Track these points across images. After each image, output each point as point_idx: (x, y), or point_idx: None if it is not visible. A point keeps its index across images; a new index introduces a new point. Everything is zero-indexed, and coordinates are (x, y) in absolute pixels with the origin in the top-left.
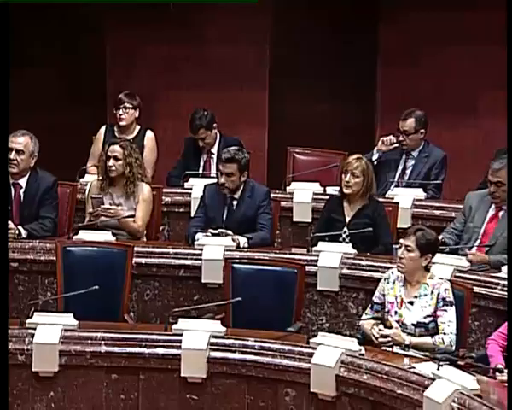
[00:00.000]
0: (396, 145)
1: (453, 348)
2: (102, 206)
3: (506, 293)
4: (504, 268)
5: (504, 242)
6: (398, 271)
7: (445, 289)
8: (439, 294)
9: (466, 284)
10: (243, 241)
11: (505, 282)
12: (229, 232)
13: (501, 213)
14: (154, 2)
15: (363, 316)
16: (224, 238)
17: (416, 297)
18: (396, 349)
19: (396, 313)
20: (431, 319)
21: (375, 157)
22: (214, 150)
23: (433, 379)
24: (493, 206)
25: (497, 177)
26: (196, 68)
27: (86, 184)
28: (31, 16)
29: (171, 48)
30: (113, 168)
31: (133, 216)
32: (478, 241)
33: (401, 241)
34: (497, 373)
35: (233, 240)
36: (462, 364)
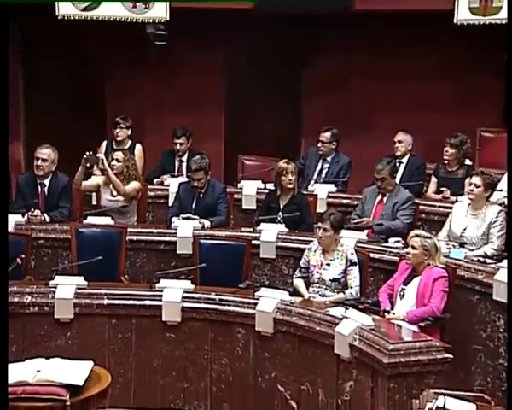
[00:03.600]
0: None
1: (359, 295)
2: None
3: (393, 257)
4: (391, 239)
5: (386, 217)
6: (319, 245)
7: (351, 253)
8: (347, 257)
9: (364, 251)
10: (207, 223)
11: (392, 250)
12: (196, 217)
13: (385, 199)
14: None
15: (294, 276)
16: (192, 221)
17: (331, 260)
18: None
19: (317, 272)
20: (342, 275)
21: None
22: (184, 158)
23: (342, 319)
24: (380, 195)
25: (381, 174)
26: (171, 98)
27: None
28: (50, 60)
29: (153, 82)
30: (115, 167)
31: (126, 206)
32: (371, 217)
33: (319, 224)
34: (386, 314)
35: (199, 222)
36: (362, 307)
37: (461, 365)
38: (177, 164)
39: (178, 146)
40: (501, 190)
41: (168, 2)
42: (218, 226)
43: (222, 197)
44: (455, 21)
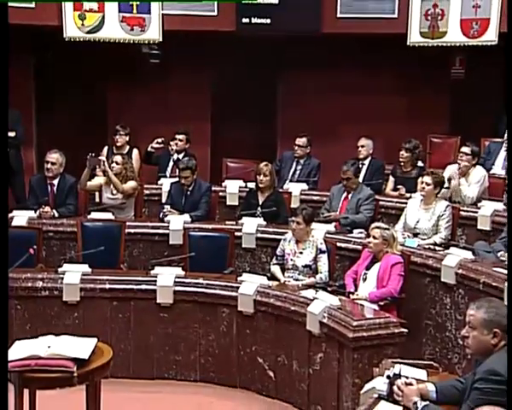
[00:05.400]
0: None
1: (327, 279)
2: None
3: (357, 246)
4: (355, 230)
5: (351, 211)
6: (293, 236)
7: (321, 243)
8: (317, 246)
9: (332, 241)
10: (187, 218)
11: (356, 239)
12: (175, 211)
13: (350, 196)
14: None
15: (271, 263)
16: (182, 216)
17: (303, 249)
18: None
19: (292, 259)
20: (313, 262)
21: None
22: (180, 157)
23: (313, 299)
24: (345, 192)
25: (346, 174)
26: (164, 109)
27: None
28: (59, 77)
29: (149, 95)
30: (115, 169)
31: (125, 203)
32: (338, 212)
33: (293, 218)
34: (350, 295)
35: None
36: (330, 290)
37: (414, 337)
38: (171, 164)
39: (177, 141)
40: (448, 188)
41: (161, 27)
42: (198, 220)
43: (206, 195)
44: (408, 43)
